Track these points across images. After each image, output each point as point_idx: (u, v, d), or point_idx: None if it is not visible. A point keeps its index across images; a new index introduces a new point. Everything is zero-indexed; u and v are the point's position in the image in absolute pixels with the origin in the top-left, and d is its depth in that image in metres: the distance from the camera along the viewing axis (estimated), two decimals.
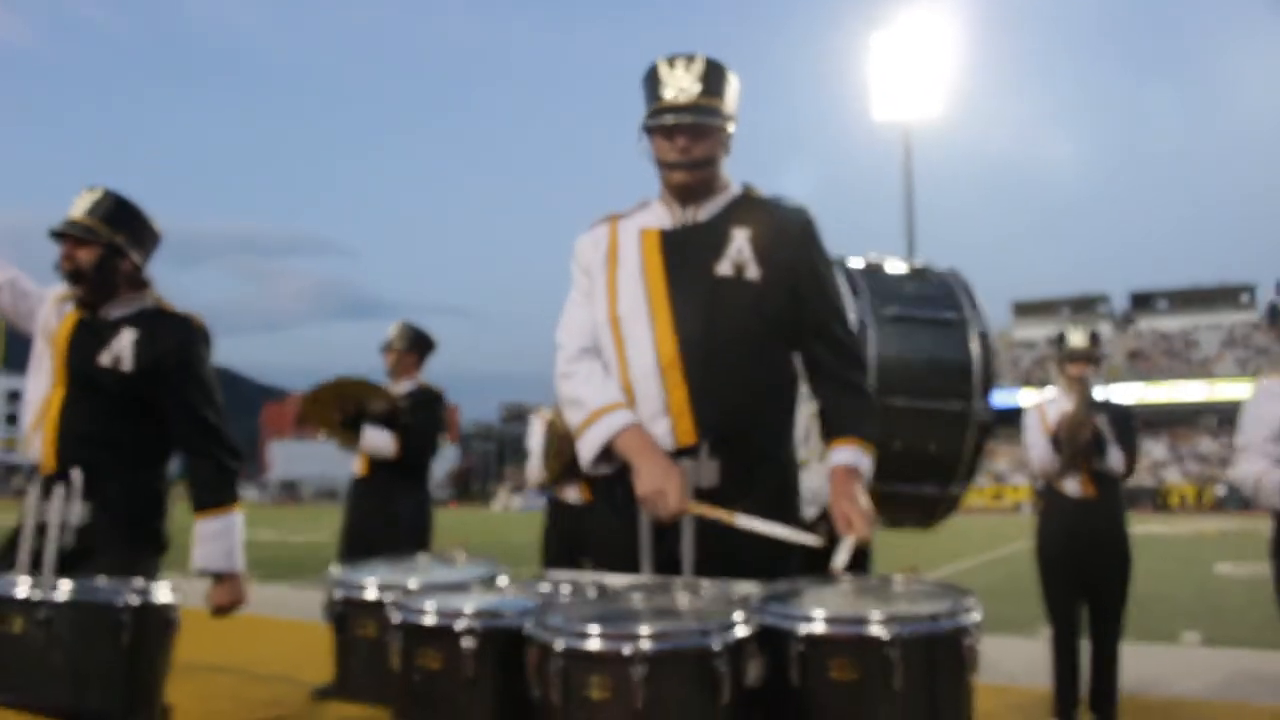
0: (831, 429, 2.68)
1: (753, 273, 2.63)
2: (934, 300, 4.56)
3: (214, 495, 3.25)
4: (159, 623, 2.69)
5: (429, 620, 2.01)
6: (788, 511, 2.67)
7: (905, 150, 20.99)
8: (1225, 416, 61.16)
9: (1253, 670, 7.36)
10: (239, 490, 3.35)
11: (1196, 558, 18.67)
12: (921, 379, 4.30)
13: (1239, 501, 46.00)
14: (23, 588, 2.52)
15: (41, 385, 3.26)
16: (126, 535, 3.14)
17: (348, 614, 2.27)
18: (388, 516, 6.00)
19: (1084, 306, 71.82)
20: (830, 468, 2.62)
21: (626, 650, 1.77)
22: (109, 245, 3.24)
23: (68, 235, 3.23)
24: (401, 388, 6.28)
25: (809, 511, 3.61)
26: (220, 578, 3.24)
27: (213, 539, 3.21)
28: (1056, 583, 5.33)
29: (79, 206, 3.25)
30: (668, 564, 2.52)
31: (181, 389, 3.25)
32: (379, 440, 5.99)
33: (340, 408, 5.95)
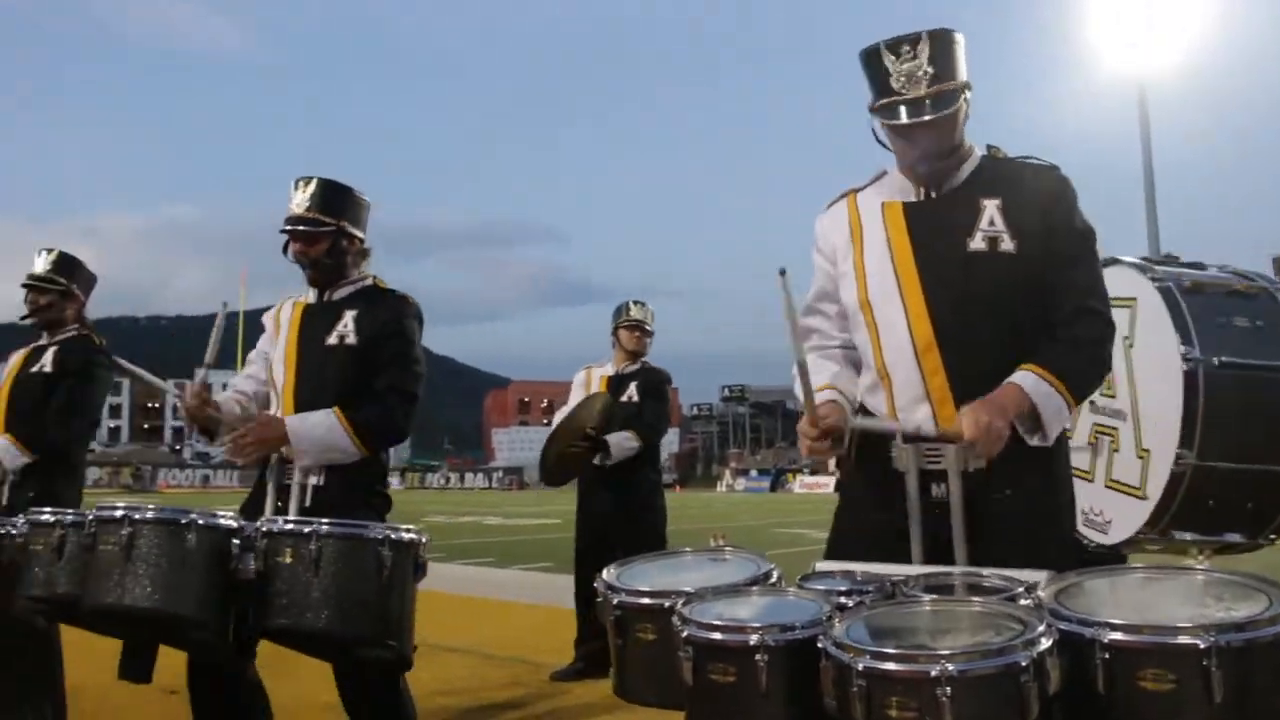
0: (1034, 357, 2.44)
1: (1007, 245, 2.46)
2: (1272, 335, 3.78)
3: (366, 425, 3.35)
4: (411, 558, 2.88)
5: (719, 636, 1.96)
6: (1059, 498, 2.53)
7: (1141, 104, 19.75)
8: None
9: None
10: (380, 439, 3.44)
11: None
12: (1255, 442, 3.68)
13: None
14: (290, 524, 2.81)
15: (277, 371, 3.53)
16: (356, 498, 3.36)
17: (626, 619, 2.21)
18: (624, 501, 6.03)
19: None
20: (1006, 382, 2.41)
21: (932, 672, 1.67)
22: (335, 231, 3.50)
23: (297, 233, 3.50)
24: (629, 368, 6.31)
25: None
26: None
27: (306, 422, 3.33)
28: None
29: (298, 200, 3.48)
30: (936, 550, 2.40)
31: (390, 355, 3.46)
32: (626, 444, 6.01)
33: (573, 443, 5.99)
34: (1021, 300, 2.48)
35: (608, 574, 2.35)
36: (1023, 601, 1.95)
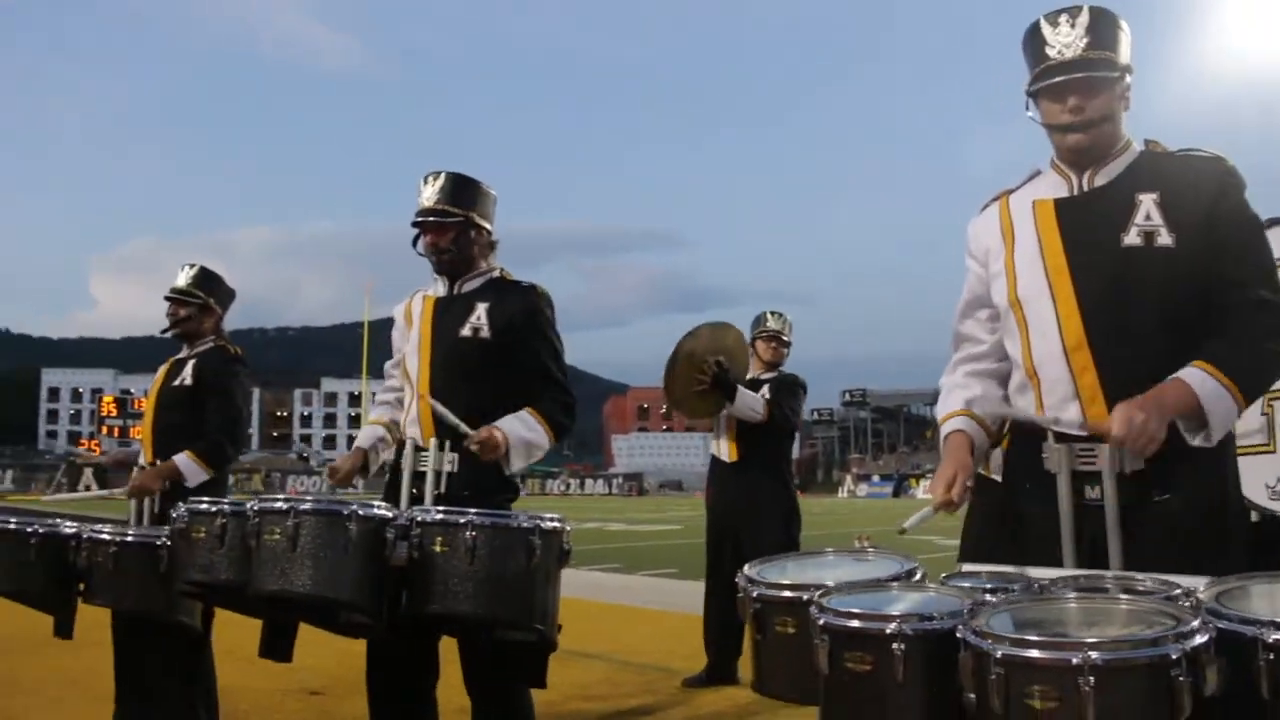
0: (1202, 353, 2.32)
1: (1165, 239, 2.36)
2: None
3: (554, 419, 3.52)
4: (557, 545, 2.98)
5: (856, 624, 1.92)
6: (1224, 503, 2.40)
7: None
8: None
9: None
10: (566, 428, 3.58)
11: None
12: None
13: None
14: (441, 514, 2.93)
15: (410, 363, 3.62)
16: (490, 482, 3.44)
17: (766, 612, 2.20)
18: (759, 502, 5.91)
19: None
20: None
21: (1075, 660, 1.60)
22: (463, 222, 3.61)
23: (426, 224, 3.61)
24: (764, 375, 6.23)
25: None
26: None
27: (519, 420, 3.44)
28: None
29: (428, 194, 3.60)
30: (1090, 554, 2.34)
31: (529, 345, 3.57)
32: (753, 405, 5.86)
33: (698, 372, 5.83)
34: (1179, 296, 2.36)
35: (749, 569, 2.34)
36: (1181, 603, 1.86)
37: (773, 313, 6.37)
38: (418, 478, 3.43)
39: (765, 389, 6.06)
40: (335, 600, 2.89)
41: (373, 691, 3.44)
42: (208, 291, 4.89)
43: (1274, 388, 3.47)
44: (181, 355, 4.87)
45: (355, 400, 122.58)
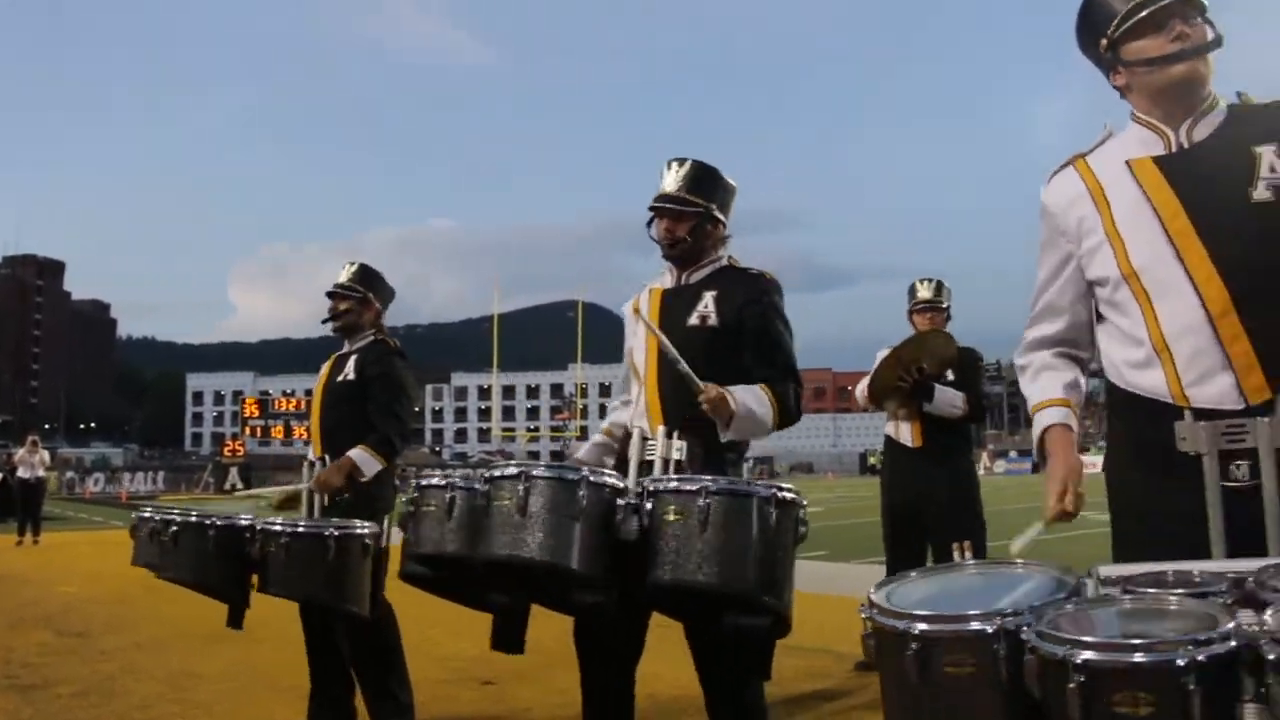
0: None
1: None
2: None
3: (785, 404, 3.45)
4: (793, 518, 2.85)
5: (1139, 657, 1.52)
6: None
7: None
8: None
9: None
10: (793, 414, 3.50)
11: None
12: None
13: None
14: (675, 481, 2.84)
15: (639, 357, 3.61)
16: (714, 472, 3.26)
17: (930, 651, 1.83)
18: (943, 486, 5.74)
19: None
20: None
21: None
22: (703, 213, 3.57)
23: (665, 210, 3.58)
24: None
25: None
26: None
27: (749, 393, 3.37)
28: None
29: (670, 180, 3.57)
30: (1242, 543, 2.10)
31: (761, 332, 3.49)
32: (952, 402, 5.76)
33: (903, 374, 5.76)
34: None
35: (881, 595, 1.99)
36: None
37: (923, 280, 6.14)
38: (644, 467, 3.32)
39: (949, 372, 5.88)
40: (566, 569, 2.79)
41: (583, 659, 3.44)
42: (367, 287, 5.04)
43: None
44: (344, 351, 5.01)
45: (485, 394, 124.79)
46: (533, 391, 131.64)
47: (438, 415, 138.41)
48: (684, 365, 3.23)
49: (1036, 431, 2.51)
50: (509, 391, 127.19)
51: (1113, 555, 2.34)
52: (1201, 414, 2.19)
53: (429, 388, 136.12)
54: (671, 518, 2.75)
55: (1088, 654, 1.53)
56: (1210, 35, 2.26)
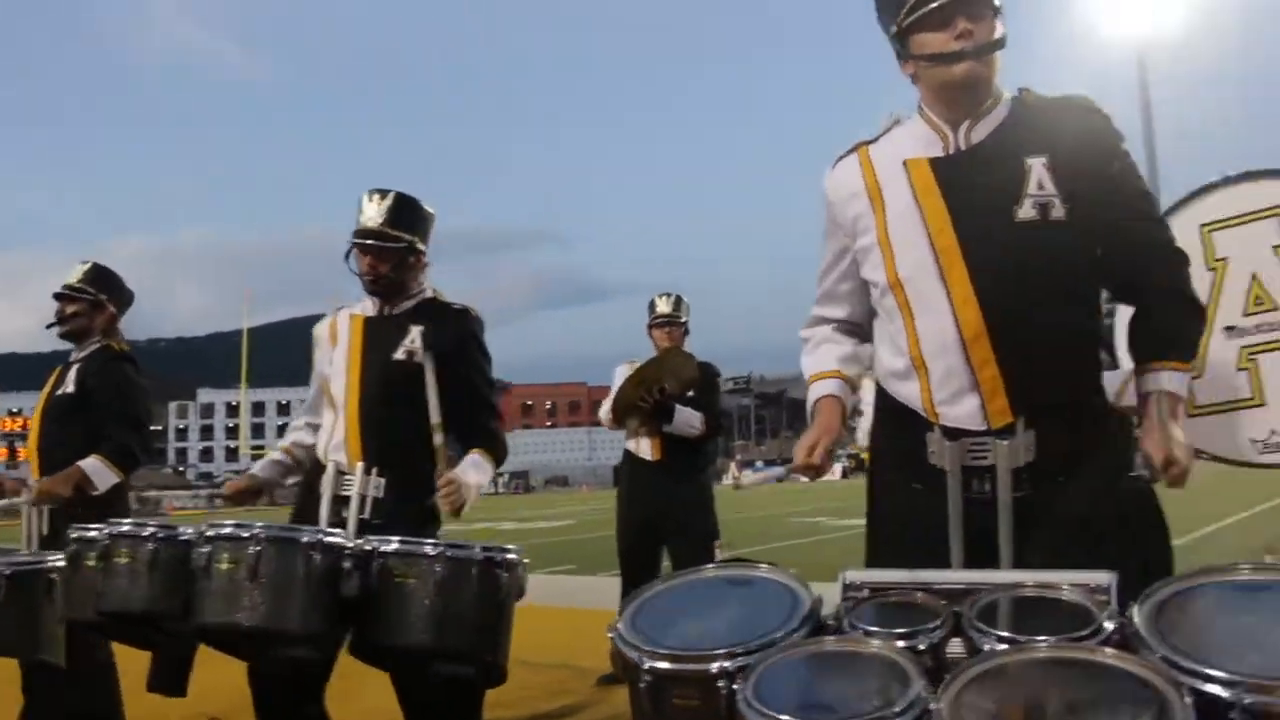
0: (1145, 347, 2.27)
1: (1059, 212, 2.18)
2: None
3: (494, 452, 3.51)
4: (513, 577, 2.86)
5: None
6: (1122, 482, 2.31)
7: (1140, 68, 19.64)
8: None
9: None
10: (504, 457, 3.59)
11: None
12: None
13: None
14: (398, 544, 2.82)
15: (337, 385, 3.46)
16: (413, 509, 3.33)
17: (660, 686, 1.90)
18: (679, 500, 5.77)
19: None
20: (1146, 394, 2.22)
21: None
22: (406, 248, 3.50)
23: (367, 246, 3.48)
24: None
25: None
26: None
27: (475, 467, 3.42)
28: None
29: (371, 214, 3.47)
30: (979, 551, 2.18)
31: (463, 370, 3.48)
32: (691, 422, 5.79)
33: (644, 395, 5.74)
34: (1078, 271, 2.24)
35: (625, 625, 1.99)
36: (1107, 624, 1.68)
37: (662, 295, 6.14)
38: (338, 501, 3.29)
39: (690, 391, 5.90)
40: (286, 634, 2.73)
41: (262, 694, 3.31)
42: (100, 289, 4.58)
43: (1256, 341, 3.49)
44: (69, 360, 4.57)
45: (233, 411, 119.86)
46: (284, 408, 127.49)
47: (182, 434, 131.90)
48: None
49: (809, 402, 2.55)
50: (259, 408, 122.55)
51: (866, 556, 2.38)
52: (949, 432, 2.24)
53: (173, 405, 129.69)
54: (401, 580, 2.75)
55: None
56: (998, 34, 2.25)
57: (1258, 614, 1.68)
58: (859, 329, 2.58)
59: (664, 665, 1.85)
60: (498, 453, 3.52)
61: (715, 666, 1.81)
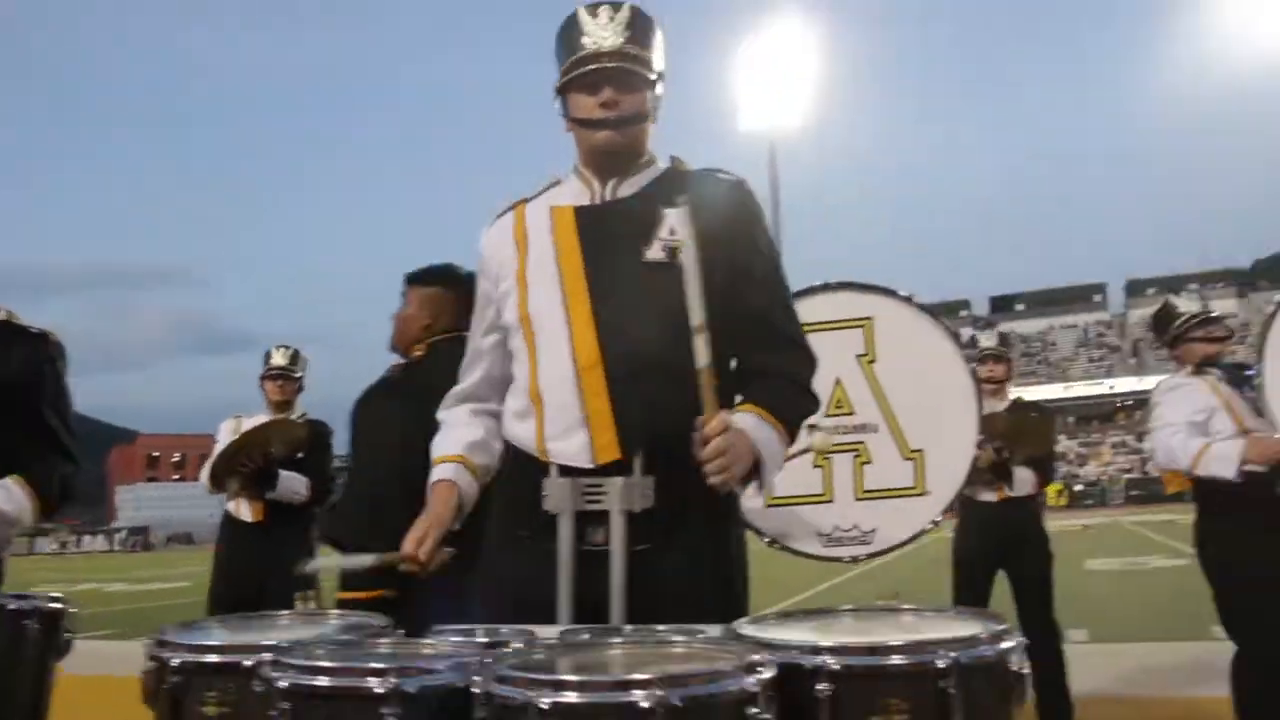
0: (757, 399, 2.26)
1: (687, 257, 2.18)
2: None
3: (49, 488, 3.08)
4: (58, 632, 2.62)
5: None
6: (730, 551, 2.31)
7: (771, 159, 21.23)
8: (1081, 414, 64.57)
9: (1143, 664, 7.52)
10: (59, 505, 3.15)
11: (1067, 554, 19.05)
12: None
13: (1098, 497, 47.84)
14: None
15: None
16: None
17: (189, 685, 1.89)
18: (281, 564, 5.49)
19: (949, 311, 73.98)
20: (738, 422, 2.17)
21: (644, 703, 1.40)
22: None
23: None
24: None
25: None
26: None
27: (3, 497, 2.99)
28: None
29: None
30: (590, 611, 2.13)
31: (32, 403, 3.09)
32: (295, 485, 5.56)
33: (245, 459, 5.46)
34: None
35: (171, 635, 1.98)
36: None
37: (279, 347, 5.93)
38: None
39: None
40: None
41: None
42: None
43: (831, 443, 3.76)
44: None
45: None
46: None
47: None
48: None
49: (429, 485, 2.41)
50: None
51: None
52: (565, 470, 2.20)
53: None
54: None
55: None
56: (647, 106, 2.31)
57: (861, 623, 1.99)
58: (487, 399, 2.51)
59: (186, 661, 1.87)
60: (47, 494, 3.06)
61: (251, 660, 1.80)
